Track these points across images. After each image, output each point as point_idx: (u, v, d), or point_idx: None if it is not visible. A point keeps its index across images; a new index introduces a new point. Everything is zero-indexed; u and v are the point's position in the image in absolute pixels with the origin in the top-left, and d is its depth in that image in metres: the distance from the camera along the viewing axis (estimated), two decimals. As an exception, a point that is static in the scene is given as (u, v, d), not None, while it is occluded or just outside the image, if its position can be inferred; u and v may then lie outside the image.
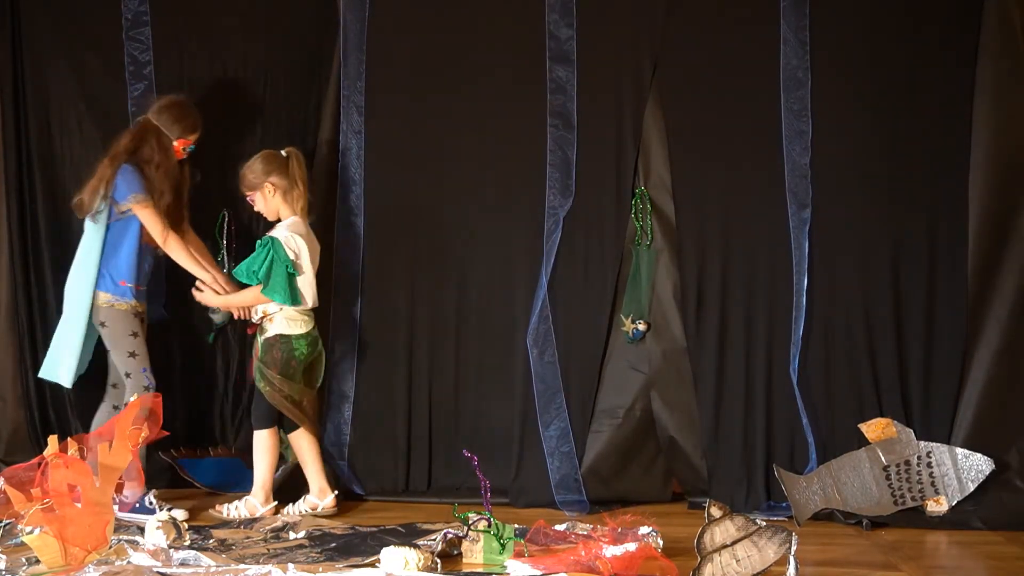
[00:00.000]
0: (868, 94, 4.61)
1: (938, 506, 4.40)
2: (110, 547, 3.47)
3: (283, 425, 4.49)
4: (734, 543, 3.29)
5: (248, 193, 4.49)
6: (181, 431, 4.83)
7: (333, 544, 3.82)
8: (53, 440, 3.46)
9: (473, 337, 4.82)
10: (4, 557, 3.46)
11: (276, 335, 4.40)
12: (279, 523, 4.18)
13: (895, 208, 4.60)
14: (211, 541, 3.85)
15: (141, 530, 3.85)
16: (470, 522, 3.67)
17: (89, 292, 4.36)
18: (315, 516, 4.37)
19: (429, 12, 4.82)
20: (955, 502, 4.40)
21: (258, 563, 3.45)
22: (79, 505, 3.40)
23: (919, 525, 4.31)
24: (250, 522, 4.24)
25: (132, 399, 3.89)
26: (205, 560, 3.46)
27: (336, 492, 4.49)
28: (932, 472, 4.42)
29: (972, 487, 4.39)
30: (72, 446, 3.46)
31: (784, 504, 4.42)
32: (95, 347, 4.47)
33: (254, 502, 4.41)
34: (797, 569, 3.26)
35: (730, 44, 4.66)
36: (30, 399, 4.84)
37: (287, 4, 4.93)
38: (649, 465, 4.74)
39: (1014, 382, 4.53)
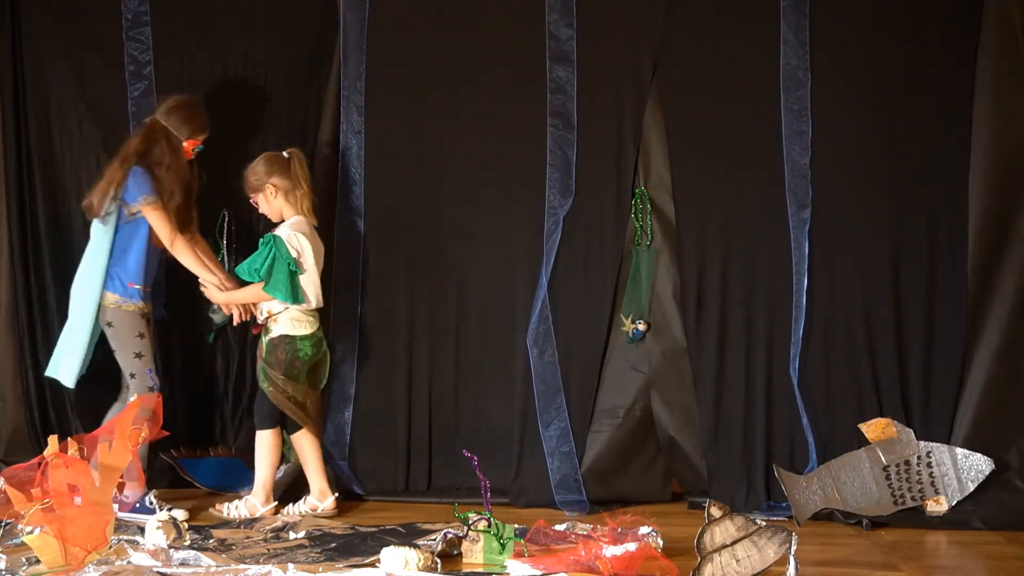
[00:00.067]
0: (868, 94, 4.61)
1: (938, 506, 4.41)
2: (110, 547, 3.47)
3: (286, 426, 4.48)
4: (734, 543, 3.29)
5: (252, 195, 4.50)
6: (181, 431, 4.84)
7: (333, 544, 3.82)
8: (53, 440, 3.46)
9: (473, 337, 4.82)
10: (4, 557, 3.47)
11: (281, 335, 4.40)
12: (279, 523, 4.18)
13: (895, 208, 4.60)
14: (211, 541, 3.85)
15: (141, 530, 3.85)
16: (470, 522, 3.67)
17: (97, 293, 4.37)
18: (315, 517, 4.37)
19: (429, 12, 4.82)
20: (955, 502, 4.40)
21: (258, 563, 3.45)
22: (79, 503, 3.39)
23: (919, 525, 4.31)
24: (250, 522, 4.24)
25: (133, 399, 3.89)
26: (205, 560, 3.46)
27: (337, 494, 4.49)
28: (932, 472, 4.42)
29: (972, 487, 4.39)
30: (72, 446, 3.46)
31: (784, 504, 4.42)
32: (99, 348, 4.47)
33: (254, 502, 4.41)
34: (797, 569, 3.26)
35: (730, 44, 4.66)
36: (30, 399, 4.84)
37: (287, 4, 4.93)
38: (649, 465, 4.74)
39: (1014, 382, 4.54)
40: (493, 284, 4.81)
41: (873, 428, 4.45)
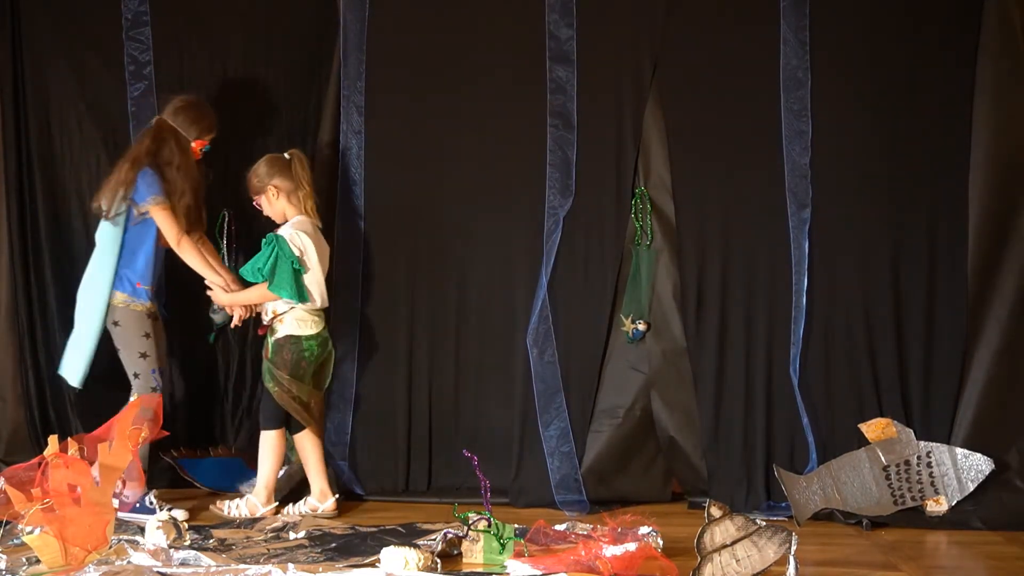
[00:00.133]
0: (868, 94, 4.61)
1: (938, 506, 4.41)
2: (110, 547, 3.47)
3: (289, 426, 4.48)
4: (734, 543, 3.29)
5: (255, 198, 4.51)
6: (181, 431, 4.84)
7: (333, 544, 3.82)
8: (53, 440, 3.46)
9: (473, 337, 4.82)
10: (4, 557, 3.46)
11: (287, 335, 4.40)
12: (279, 523, 4.19)
13: (895, 208, 4.60)
14: (211, 541, 3.85)
15: (141, 530, 3.85)
16: (470, 522, 3.67)
17: (106, 293, 4.37)
18: (315, 517, 4.37)
19: (429, 12, 4.82)
20: (955, 502, 4.40)
21: (258, 563, 3.45)
22: (80, 500, 3.40)
23: (919, 525, 4.31)
24: (250, 522, 4.24)
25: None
26: (205, 560, 3.46)
27: (337, 496, 4.49)
28: (932, 472, 4.42)
29: (972, 487, 4.39)
30: (72, 446, 3.46)
31: (784, 504, 4.42)
32: (104, 348, 4.47)
33: (255, 501, 4.41)
34: (797, 569, 3.26)
35: (730, 44, 4.66)
36: (30, 399, 4.84)
37: (287, 4, 4.93)
38: (649, 465, 4.74)
39: (1014, 382, 4.54)
40: (493, 284, 4.81)
41: (873, 428, 4.45)
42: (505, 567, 3.50)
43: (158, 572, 3.31)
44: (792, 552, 3.26)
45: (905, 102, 4.59)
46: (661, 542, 3.72)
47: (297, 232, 4.40)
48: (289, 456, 4.60)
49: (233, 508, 4.41)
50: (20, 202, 4.87)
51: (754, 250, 4.65)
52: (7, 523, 3.57)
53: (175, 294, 4.72)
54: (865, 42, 4.61)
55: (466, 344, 4.82)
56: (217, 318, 4.66)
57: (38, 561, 3.39)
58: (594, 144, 4.72)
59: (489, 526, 3.64)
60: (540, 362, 4.68)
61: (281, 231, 4.42)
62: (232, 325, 4.60)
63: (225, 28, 4.92)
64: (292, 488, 4.61)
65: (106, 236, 4.41)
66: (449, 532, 3.76)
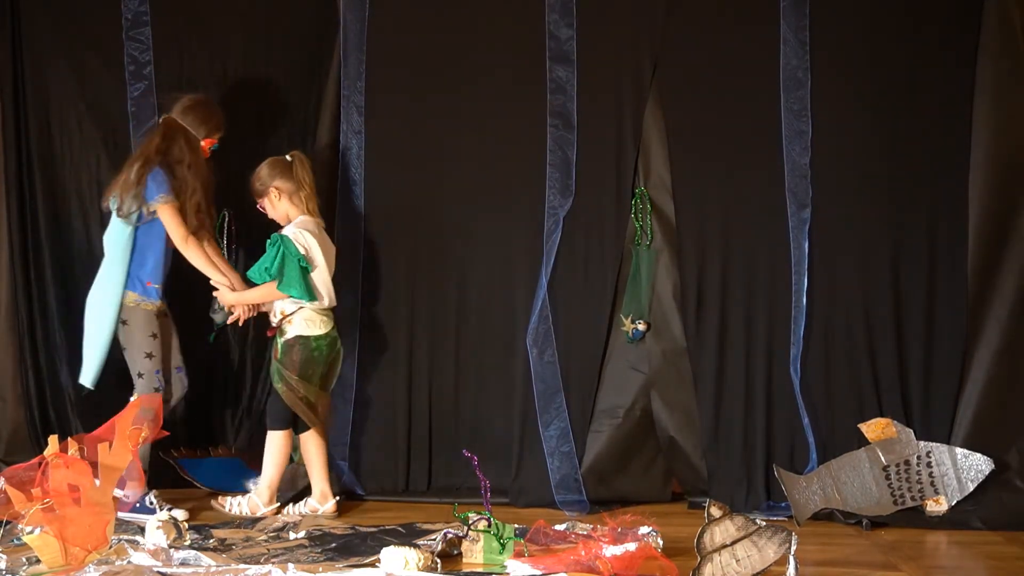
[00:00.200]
0: (868, 94, 4.61)
1: (938, 506, 4.41)
2: (110, 547, 3.46)
3: (295, 427, 4.48)
4: (734, 543, 3.29)
5: (258, 200, 4.52)
6: (181, 431, 4.83)
7: (333, 544, 3.82)
8: (53, 440, 3.46)
9: (473, 337, 4.82)
10: (4, 557, 3.46)
11: (296, 336, 4.41)
12: (279, 523, 4.19)
13: (895, 208, 4.60)
14: (211, 541, 3.85)
15: (141, 530, 3.85)
16: (470, 522, 3.67)
17: (119, 294, 4.36)
18: (315, 517, 4.38)
19: (429, 12, 4.82)
20: (955, 502, 4.40)
21: (258, 563, 3.45)
22: (80, 500, 3.39)
23: (919, 525, 4.31)
24: (251, 522, 4.24)
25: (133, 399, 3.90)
26: (205, 560, 3.46)
27: (338, 498, 4.48)
28: (932, 472, 4.42)
29: (972, 487, 4.39)
30: (72, 446, 3.45)
31: (784, 504, 4.42)
32: (116, 348, 4.47)
33: (257, 501, 4.42)
34: (797, 569, 3.26)
35: (730, 44, 4.66)
36: (30, 399, 4.84)
37: (287, 4, 4.93)
38: (649, 465, 4.74)
39: (1014, 382, 4.54)
40: (493, 284, 4.81)
41: (873, 428, 4.45)
42: (505, 567, 3.50)
43: (158, 572, 3.31)
44: (792, 552, 3.26)
45: (905, 102, 4.59)
46: (661, 542, 3.72)
47: (300, 231, 4.41)
48: (292, 456, 4.59)
49: (235, 505, 4.42)
50: (20, 202, 4.87)
51: (754, 250, 4.65)
52: (7, 523, 3.57)
53: (175, 294, 4.72)
54: (865, 42, 4.62)
55: (466, 344, 4.82)
56: (217, 318, 4.66)
57: (38, 561, 3.39)
58: (594, 144, 4.72)
59: (489, 526, 3.64)
60: (540, 362, 4.68)
61: (285, 231, 4.43)
62: (230, 321, 4.58)
63: (225, 28, 4.92)
64: (299, 491, 4.60)
65: (118, 236, 4.40)
66: (449, 532, 3.76)
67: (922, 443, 4.45)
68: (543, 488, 4.63)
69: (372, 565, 3.47)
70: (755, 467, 4.60)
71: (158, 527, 3.71)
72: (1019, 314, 4.53)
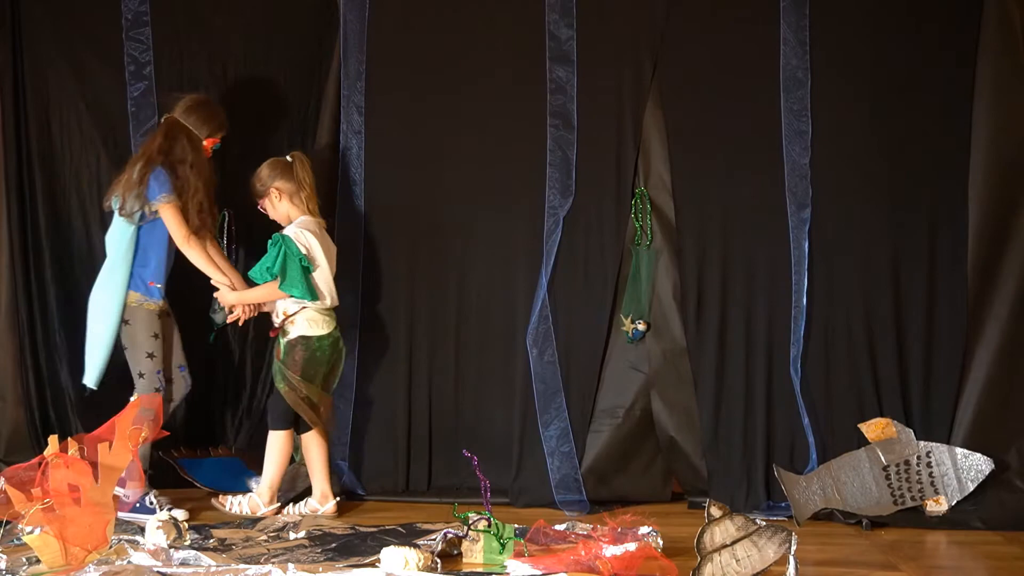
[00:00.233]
0: (868, 94, 4.61)
1: (938, 506, 4.41)
2: (110, 547, 3.47)
3: (297, 427, 4.48)
4: (734, 543, 3.29)
5: (259, 202, 4.52)
6: (181, 431, 4.84)
7: (333, 544, 3.82)
8: (53, 440, 3.46)
9: (473, 337, 4.82)
10: (4, 557, 3.46)
11: (299, 336, 4.41)
12: (279, 523, 4.18)
13: (895, 208, 4.60)
14: (211, 541, 3.85)
15: (141, 530, 3.85)
16: (470, 522, 3.67)
17: (122, 294, 4.36)
18: (315, 517, 4.38)
19: (429, 12, 4.83)
20: (955, 502, 4.40)
21: (258, 563, 3.45)
22: (80, 500, 3.39)
23: (919, 525, 4.31)
24: (251, 522, 4.24)
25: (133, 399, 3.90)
26: (205, 560, 3.46)
27: (338, 499, 4.48)
28: (932, 472, 4.42)
29: (972, 487, 4.40)
30: (72, 446, 3.45)
31: (784, 504, 4.42)
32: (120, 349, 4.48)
33: (257, 501, 4.42)
34: (797, 569, 3.26)
35: (730, 44, 4.66)
36: (30, 399, 4.83)
37: (287, 4, 4.94)
38: (649, 465, 4.74)
39: (1014, 382, 4.54)
40: (493, 284, 4.81)
41: (873, 428, 4.45)
42: (505, 567, 3.50)
43: (158, 572, 3.31)
44: (792, 552, 3.26)
45: (905, 102, 4.59)
46: (661, 542, 3.72)
47: (301, 231, 4.41)
48: (294, 457, 4.59)
49: (235, 504, 4.42)
50: (20, 202, 4.86)
51: (754, 250, 4.65)
52: (7, 523, 3.57)
53: (176, 294, 4.72)
54: (865, 42, 4.62)
55: (466, 344, 4.82)
56: (217, 318, 4.66)
57: (38, 561, 3.39)
58: (594, 144, 4.72)
59: (489, 526, 3.64)
60: (540, 362, 4.68)
61: (286, 231, 4.43)
62: (230, 321, 4.57)
63: (225, 28, 4.92)
64: (299, 492, 4.60)
65: (121, 236, 4.40)
66: (449, 532, 3.76)
67: (922, 443, 4.45)
68: (543, 488, 4.63)
69: (372, 565, 3.47)
70: (755, 467, 4.59)
71: (158, 527, 3.71)
72: (1019, 314, 4.53)
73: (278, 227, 4.51)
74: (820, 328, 4.61)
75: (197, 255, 4.42)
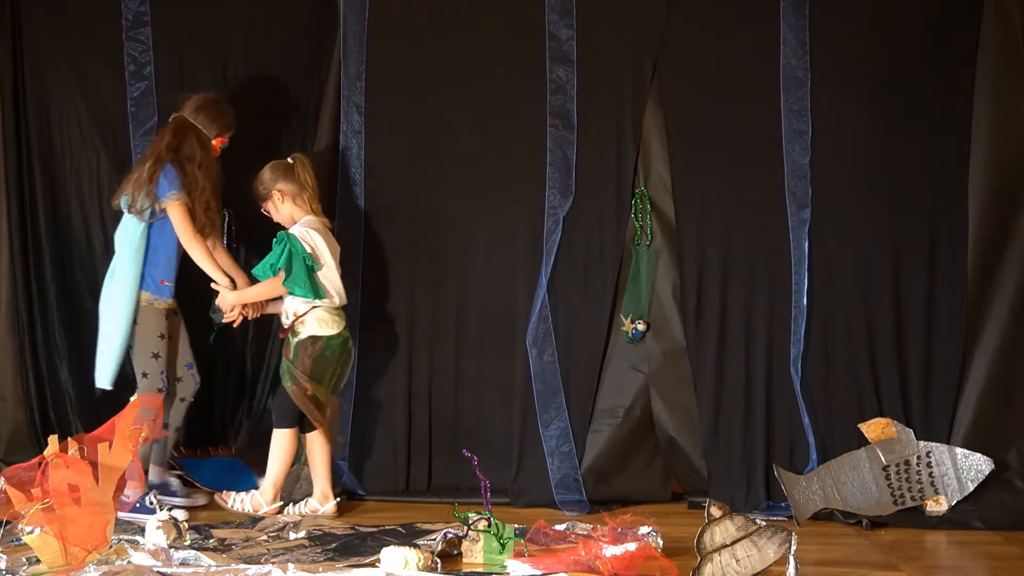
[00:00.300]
0: (868, 94, 4.61)
1: (938, 506, 4.41)
2: (110, 547, 3.46)
3: (302, 426, 4.47)
4: (734, 543, 3.29)
5: (262, 205, 4.52)
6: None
7: (333, 544, 3.82)
8: (53, 440, 3.46)
9: (473, 337, 4.82)
10: (4, 557, 3.46)
11: (309, 336, 4.41)
12: (279, 523, 4.18)
13: (895, 208, 4.60)
14: (211, 541, 3.85)
15: (141, 530, 3.85)
16: (470, 522, 3.67)
17: (134, 293, 4.37)
18: (315, 517, 4.38)
19: (429, 12, 4.83)
20: (955, 502, 4.40)
21: (258, 563, 3.45)
22: (80, 500, 3.39)
23: (919, 525, 4.31)
24: (251, 522, 4.24)
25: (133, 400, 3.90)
26: (205, 560, 3.45)
27: (339, 499, 4.48)
28: (932, 472, 4.42)
29: (972, 487, 4.39)
30: (72, 446, 3.45)
31: (784, 504, 4.42)
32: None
33: (260, 499, 4.42)
34: (797, 569, 3.26)
35: (730, 44, 4.66)
36: (30, 399, 4.84)
37: (287, 4, 4.94)
38: (649, 465, 4.74)
39: (1014, 382, 4.54)
40: (493, 284, 4.81)
41: (873, 428, 4.45)
42: (505, 567, 3.50)
43: (158, 572, 3.31)
44: (792, 552, 3.26)
45: (905, 102, 4.59)
46: (661, 542, 3.72)
47: (307, 230, 4.42)
48: (300, 456, 4.59)
49: (237, 502, 4.42)
50: (20, 202, 4.87)
51: (754, 250, 4.65)
52: (7, 523, 3.57)
53: (178, 294, 4.72)
54: (865, 42, 4.62)
55: (466, 344, 4.82)
56: (217, 318, 4.66)
57: (38, 561, 3.39)
58: (594, 144, 4.72)
59: (489, 526, 3.64)
60: (540, 362, 4.68)
61: (292, 230, 4.43)
62: (226, 320, 4.56)
63: (225, 28, 4.92)
64: (303, 492, 4.60)
65: (132, 234, 4.40)
66: (449, 532, 3.76)
67: (922, 443, 4.45)
68: (543, 488, 4.63)
69: (372, 565, 3.47)
70: (755, 467, 4.59)
71: (158, 527, 3.71)
72: (1019, 314, 4.53)
73: (279, 228, 4.51)
74: (820, 328, 4.61)
75: (200, 254, 4.42)
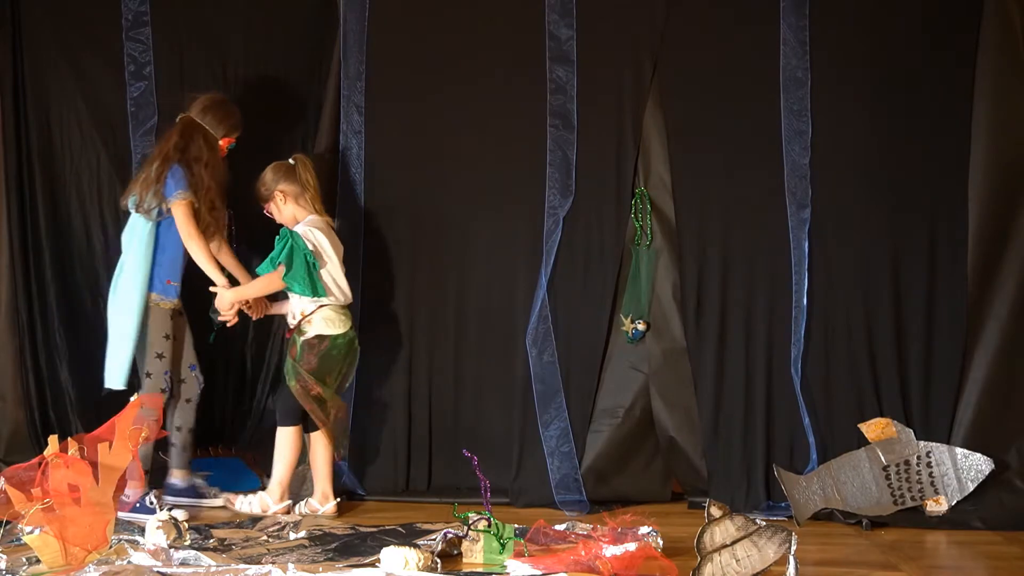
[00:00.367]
0: (868, 94, 4.61)
1: (938, 506, 4.41)
2: (110, 547, 3.46)
3: (306, 426, 4.47)
4: (734, 543, 3.29)
5: (264, 206, 4.53)
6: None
7: (333, 544, 3.82)
8: (53, 440, 3.46)
9: (473, 337, 4.82)
10: (4, 557, 3.46)
11: (316, 335, 4.41)
12: (279, 523, 4.18)
13: (895, 208, 4.60)
14: (211, 541, 3.85)
15: (141, 530, 3.85)
16: (470, 522, 3.67)
17: (143, 292, 4.37)
18: (315, 517, 4.38)
19: (429, 12, 4.83)
20: (955, 502, 4.40)
21: (258, 563, 3.45)
22: (80, 500, 3.39)
23: (919, 525, 4.31)
24: (251, 522, 4.24)
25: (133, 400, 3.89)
26: (205, 560, 3.45)
27: (339, 500, 4.48)
28: (932, 472, 4.42)
29: (972, 487, 4.39)
30: (72, 446, 3.45)
31: (784, 504, 4.42)
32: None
33: (268, 499, 4.42)
34: (797, 569, 3.26)
35: (730, 44, 4.66)
36: (30, 399, 4.84)
37: (287, 4, 4.94)
38: (649, 465, 4.74)
39: (1014, 382, 4.54)
40: (493, 284, 4.81)
41: (873, 428, 4.45)
42: (505, 567, 3.50)
43: (158, 572, 3.31)
44: (792, 552, 3.26)
45: (905, 102, 4.59)
46: (661, 542, 3.72)
47: (310, 229, 4.42)
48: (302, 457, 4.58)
49: (245, 504, 4.42)
50: (20, 202, 4.87)
51: (754, 250, 4.65)
52: (7, 523, 3.57)
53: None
54: (865, 42, 4.62)
55: (466, 344, 4.82)
56: (216, 318, 4.66)
57: (38, 561, 3.39)
58: (594, 144, 4.72)
59: (489, 526, 3.64)
60: (540, 362, 4.68)
61: (295, 229, 4.43)
62: (221, 319, 4.56)
63: (225, 28, 4.92)
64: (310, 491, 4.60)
65: (140, 234, 4.40)
66: (449, 532, 3.76)
67: (922, 443, 4.45)
68: (543, 488, 4.63)
69: (372, 565, 3.47)
70: (755, 467, 4.59)
71: (158, 527, 3.71)
72: (1019, 314, 4.53)
73: (281, 228, 4.51)
74: (820, 328, 4.61)
75: (201, 254, 4.42)
